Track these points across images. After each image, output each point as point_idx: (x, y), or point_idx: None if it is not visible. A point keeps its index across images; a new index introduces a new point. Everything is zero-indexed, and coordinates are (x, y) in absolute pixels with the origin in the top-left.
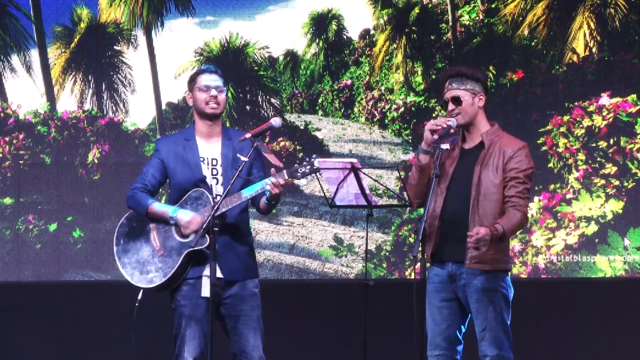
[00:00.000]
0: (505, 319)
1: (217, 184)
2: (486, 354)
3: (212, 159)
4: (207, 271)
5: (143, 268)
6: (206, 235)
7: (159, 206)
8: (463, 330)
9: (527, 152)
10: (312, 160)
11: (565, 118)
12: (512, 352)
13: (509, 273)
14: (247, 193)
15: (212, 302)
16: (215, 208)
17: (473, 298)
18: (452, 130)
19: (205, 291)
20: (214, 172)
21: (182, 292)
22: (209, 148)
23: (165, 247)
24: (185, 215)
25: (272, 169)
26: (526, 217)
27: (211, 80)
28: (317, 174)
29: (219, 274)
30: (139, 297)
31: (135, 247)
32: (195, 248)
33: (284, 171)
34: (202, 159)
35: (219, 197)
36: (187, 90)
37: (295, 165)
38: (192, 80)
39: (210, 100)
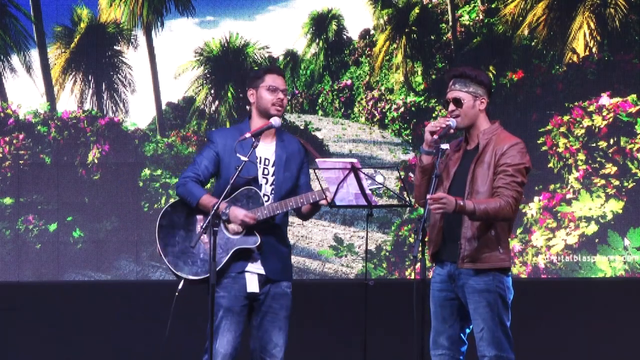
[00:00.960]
0: (503, 320)
1: (266, 183)
2: (484, 354)
3: (265, 159)
4: (250, 267)
5: (187, 259)
6: (256, 233)
7: (211, 199)
8: (467, 330)
9: (520, 148)
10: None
11: (565, 118)
12: (512, 352)
13: (509, 273)
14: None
15: (211, 301)
16: (215, 208)
17: (470, 299)
18: (451, 131)
19: (251, 286)
20: (265, 171)
21: (222, 285)
22: (264, 147)
23: None
24: (238, 211)
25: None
26: (510, 207)
27: (280, 82)
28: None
29: (261, 271)
30: (180, 287)
31: (180, 236)
32: (246, 246)
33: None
34: (255, 157)
35: (266, 197)
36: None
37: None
38: (259, 78)
39: (277, 103)
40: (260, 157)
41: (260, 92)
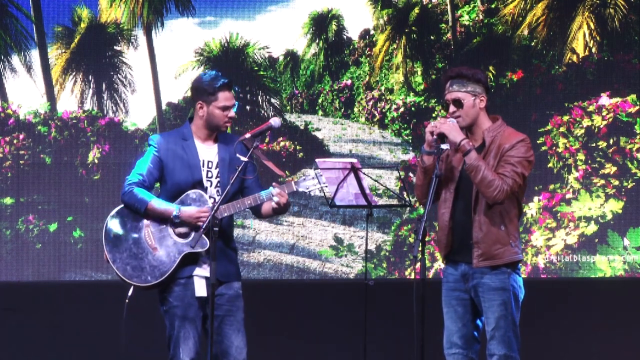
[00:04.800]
0: (515, 320)
1: (210, 186)
2: (494, 353)
3: (208, 161)
4: (197, 271)
5: (136, 265)
6: (205, 236)
7: (160, 204)
8: (480, 327)
9: (524, 144)
10: (319, 176)
11: (565, 118)
12: (519, 353)
13: (520, 265)
14: (251, 201)
15: (212, 302)
16: (215, 208)
17: (484, 297)
18: None
19: (199, 291)
20: (209, 174)
21: (173, 293)
22: (206, 150)
23: (161, 246)
24: (191, 209)
25: (275, 183)
26: (501, 190)
27: (230, 98)
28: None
29: (208, 274)
30: (129, 293)
31: (127, 242)
32: (195, 250)
33: (292, 183)
34: (198, 160)
35: (212, 199)
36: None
37: (302, 177)
38: (211, 94)
39: (229, 121)
40: (203, 160)
41: (211, 109)
